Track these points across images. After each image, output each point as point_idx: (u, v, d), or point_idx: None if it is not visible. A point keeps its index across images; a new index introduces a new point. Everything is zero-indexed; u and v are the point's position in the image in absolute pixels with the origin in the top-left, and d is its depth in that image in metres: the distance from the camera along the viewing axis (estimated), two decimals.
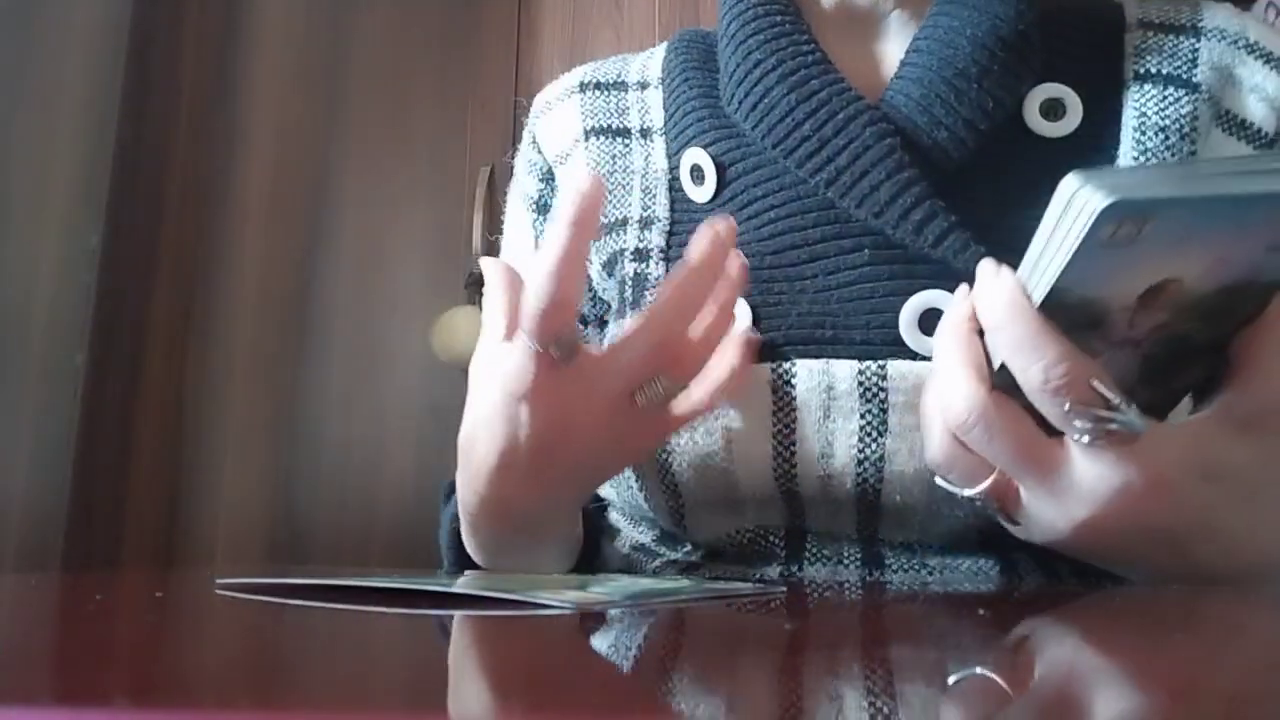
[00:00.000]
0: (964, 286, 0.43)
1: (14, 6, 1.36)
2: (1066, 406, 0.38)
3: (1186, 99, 0.54)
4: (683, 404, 0.47)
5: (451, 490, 0.60)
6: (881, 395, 0.50)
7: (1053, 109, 0.54)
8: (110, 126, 1.49)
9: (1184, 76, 0.54)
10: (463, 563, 0.59)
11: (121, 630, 0.29)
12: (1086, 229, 0.34)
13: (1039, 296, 0.38)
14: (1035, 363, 0.38)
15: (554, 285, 0.41)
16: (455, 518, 0.58)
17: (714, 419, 0.52)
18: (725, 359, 0.47)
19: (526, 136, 0.69)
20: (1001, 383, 0.40)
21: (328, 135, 1.59)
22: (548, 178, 0.66)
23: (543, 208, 0.66)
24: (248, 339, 1.54)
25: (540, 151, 0.67)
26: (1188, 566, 0.42)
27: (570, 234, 0.41)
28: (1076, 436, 0.39)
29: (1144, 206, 0.34)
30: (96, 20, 1.49)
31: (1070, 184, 0.35)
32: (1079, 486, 0.40)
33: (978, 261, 0.42)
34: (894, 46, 0.59)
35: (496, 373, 0.46)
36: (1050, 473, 0.40)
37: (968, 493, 0.43)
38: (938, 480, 0.45)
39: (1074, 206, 0.35)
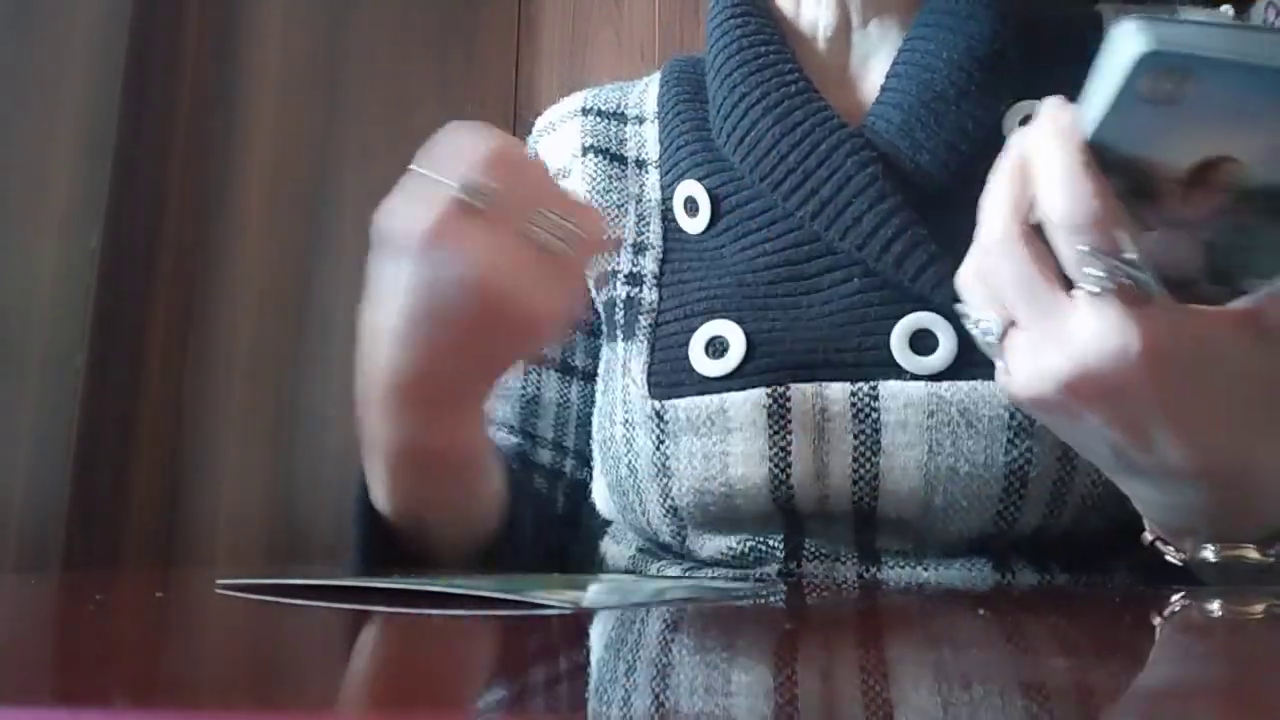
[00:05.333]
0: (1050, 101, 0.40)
1: (14, 6, 1.36)
2: (1083, 247, 0.35)
3: None
4: (580, 245, 0.44)
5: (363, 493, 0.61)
6: (874, 415, 0.50)
7: None
8: (110, 126, 1.49)
9: None
10: (371, 542, 0.56)
11: (121, 630, 0.29)
12: (1122, 76, 0.32)
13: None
14: (1062, 192, 0.36)
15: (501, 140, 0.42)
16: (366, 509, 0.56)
17: (710, 436, 0.52)
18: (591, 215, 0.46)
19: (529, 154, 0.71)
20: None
21: (328, 135, 1.59)
22: None
23: None
24: (248, 339, 1.53)
25: None
26: (1149, 458, 0.39)
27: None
28: (1087, 284, 0.36)
29: (1183, 61, 0.31)
30: (96, 20, 1.49)
31: (1119, 27, 0.33)
32: (1074, 339, 0.37)
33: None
34: (876, 65, 0.59)
35: (400, 216, 0.44)
36: (1049, 317, 0.38)
37: (975, 317, 0.41)
38: (960, 302, 0.42)
39: (1116, 50, 0.33)
